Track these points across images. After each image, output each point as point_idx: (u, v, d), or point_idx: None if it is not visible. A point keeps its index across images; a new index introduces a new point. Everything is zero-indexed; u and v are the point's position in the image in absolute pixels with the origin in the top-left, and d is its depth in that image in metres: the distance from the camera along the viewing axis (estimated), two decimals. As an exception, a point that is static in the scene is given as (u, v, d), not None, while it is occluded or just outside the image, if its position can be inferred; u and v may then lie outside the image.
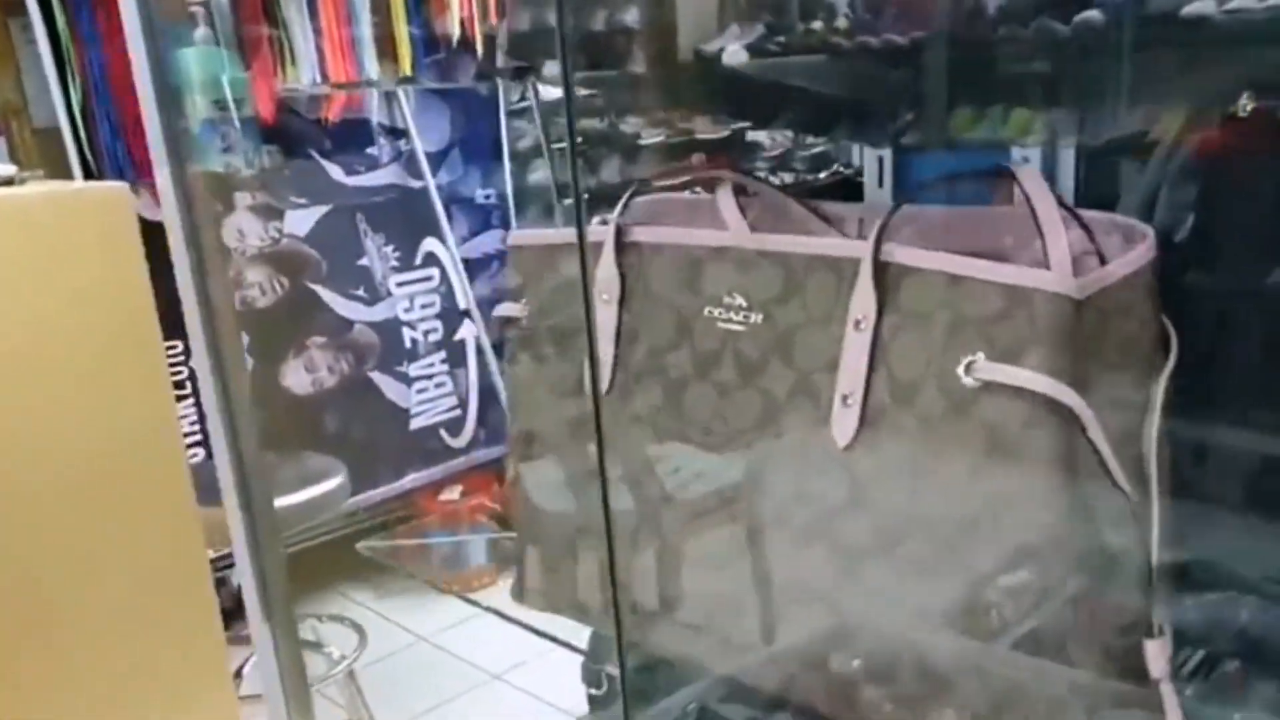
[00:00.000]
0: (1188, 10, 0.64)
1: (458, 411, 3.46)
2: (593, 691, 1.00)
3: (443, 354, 3.42)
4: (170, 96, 0.76)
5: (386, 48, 3.08)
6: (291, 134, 2.98)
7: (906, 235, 0.60)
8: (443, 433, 3.44)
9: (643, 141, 4.59)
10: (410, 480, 3.28)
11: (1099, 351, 0.54)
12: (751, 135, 5.01)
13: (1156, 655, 0.55)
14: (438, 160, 3.41)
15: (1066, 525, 0.54)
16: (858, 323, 0.60)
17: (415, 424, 3.36)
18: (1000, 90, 0.76)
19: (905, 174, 0.83)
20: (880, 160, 0.83)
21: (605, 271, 0.71)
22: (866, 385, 0.59)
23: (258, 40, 2.85)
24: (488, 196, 3.57)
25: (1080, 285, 0.53)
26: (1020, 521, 0.54)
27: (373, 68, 3.06)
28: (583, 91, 4.56)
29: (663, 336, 0.69)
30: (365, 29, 3.03)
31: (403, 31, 3.11)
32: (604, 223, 0.73)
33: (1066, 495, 0.53)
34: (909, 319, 0.58)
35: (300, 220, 3.10)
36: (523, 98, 3.86)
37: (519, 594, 0.83)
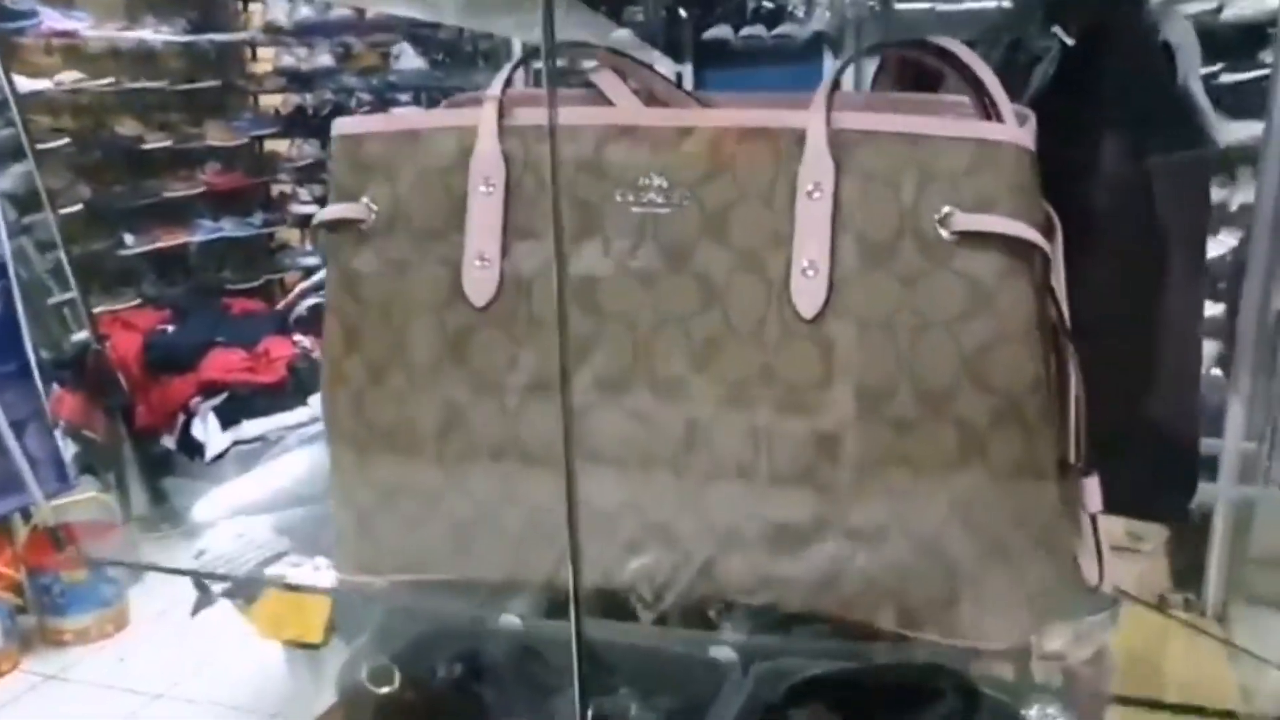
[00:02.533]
0: None
1: (-59, 463, 2.81)
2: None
3: (-83, 392, 2.76)
4: None
5: None
6: None
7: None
8: (-77, 490, 2.77)
9: (146, 146, 4.12)
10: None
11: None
12: (271, 145, 4.73)
13: (1093, 490, 0.60)
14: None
15: (1042, 370, 0.57)
16: (811, 191, 0.58)
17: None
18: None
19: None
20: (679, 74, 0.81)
21: (486, 156, 0.62)
22: (831, 252, 0.57)
23: None
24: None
25: (1031, 140, 0.56)
26: (1002, 371, 0.56)
27: None
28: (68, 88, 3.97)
29: (566, 229, 0.61)
30: None
31: None
32: (469, 103, 0.63)
33: (1040, 341, 0.56)
34: (873, 182, 0.57)
35: None
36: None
37: (346, 564, 0.69)
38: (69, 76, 3.88)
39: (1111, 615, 0.77)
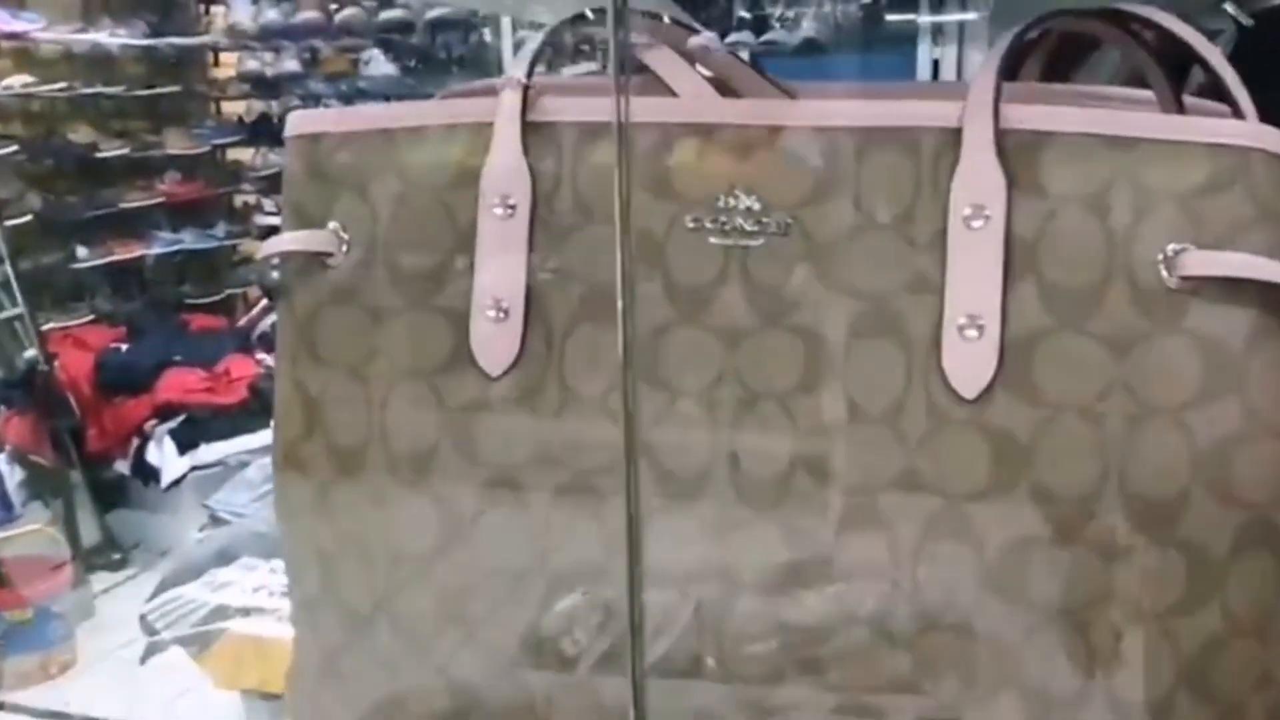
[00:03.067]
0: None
1: None
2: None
3: None
4: None
5: None
6: None
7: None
8: None
9: (101, 154, 3.93)
10: None
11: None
12: (234, 153, 4.54)
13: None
14: None
15: (1301, 467, 0.40)
16: (970, 216, 0.41)
17: None
18: None
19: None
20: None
21: (505, 165, 0.44)
22: (1003, 304, 0.40)
23: None
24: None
25: (1286, 145, 0.40)
26: (1253, 475, 0.39)
27: None
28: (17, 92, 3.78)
29: (611, 265, 0.43)
30: None
31: None
32: (480, 94, 0.45)
33: (1301, 428, 0.40)
34: (1065, 204, 0.40)
35: None
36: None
37: (302, 713, 0.51)
38: (18, 80, 3.67)
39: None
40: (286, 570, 0.52)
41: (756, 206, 0.43)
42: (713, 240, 0.43)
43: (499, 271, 0.44)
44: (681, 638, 0.44)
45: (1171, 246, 0.39)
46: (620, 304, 0.43)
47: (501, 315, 0.44)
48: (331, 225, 0.45)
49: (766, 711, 0.42)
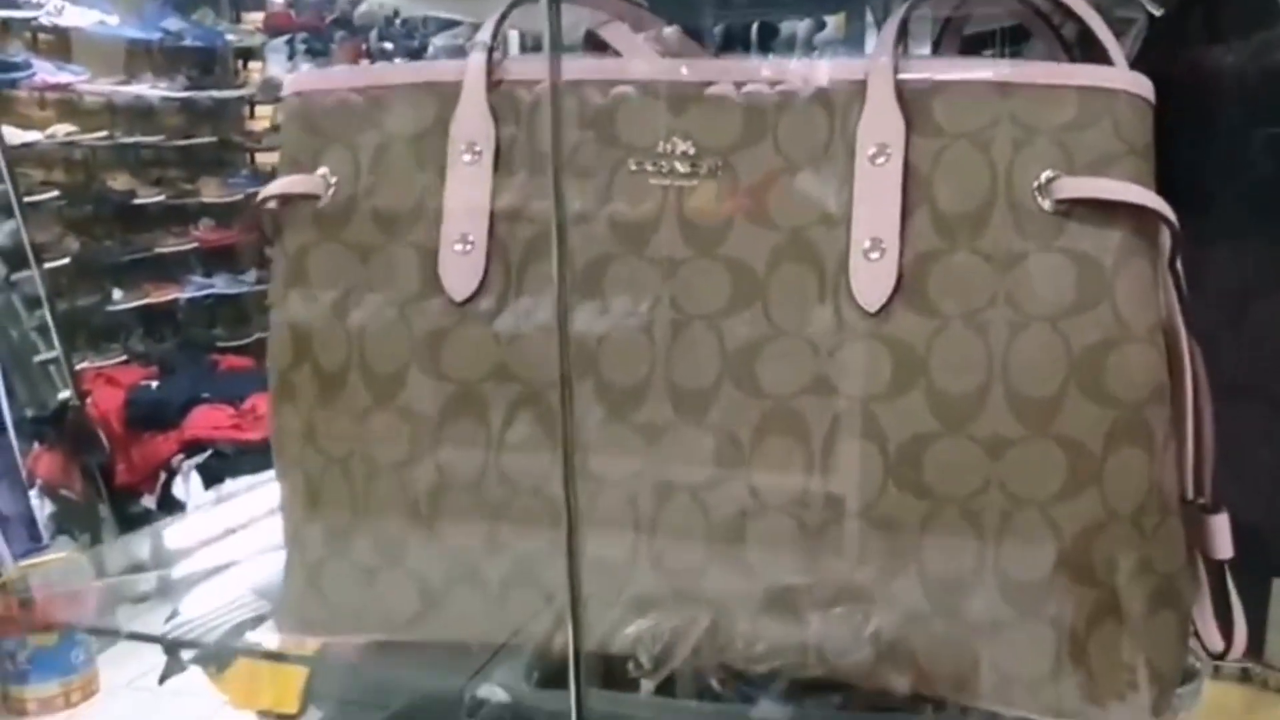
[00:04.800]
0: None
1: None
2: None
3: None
4: None
5: None
6: None
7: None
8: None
9: (138, 201, 4.05)
10: None
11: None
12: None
13: (1222, 532, 0.48)
14: None
15: (1167, 376, 0.45)
16: (874, 154, 0.46)
17: None
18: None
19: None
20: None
21: (471, 116, 0.50)
22: (901, 230, 0.46)
23: None
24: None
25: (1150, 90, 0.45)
26: (1122, 376, 0.44)
27: None
28: (60, 141, 3.92)
29: (566, 204, 0.49)
30: None
31: None
32: (456, 52, 0.52)
33: (1163, 335, 0.45)
34: (954, 141, 0.46)
35: None
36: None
37: (287, 621, 0.56)
38: (61, 129, 3.81)
39: (1195, 690, 0.64)
40: (280, 494, 0.57)
41: (691, 151, 0.49)
42: (653, 181, 0.49)
43: (465, 209, 0.50)
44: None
45: (1046, 174, 0.44)
46: (555, 249, 0.48)
47: (467, 248, 0.50)
48: (320, 171, 0.52)
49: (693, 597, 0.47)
